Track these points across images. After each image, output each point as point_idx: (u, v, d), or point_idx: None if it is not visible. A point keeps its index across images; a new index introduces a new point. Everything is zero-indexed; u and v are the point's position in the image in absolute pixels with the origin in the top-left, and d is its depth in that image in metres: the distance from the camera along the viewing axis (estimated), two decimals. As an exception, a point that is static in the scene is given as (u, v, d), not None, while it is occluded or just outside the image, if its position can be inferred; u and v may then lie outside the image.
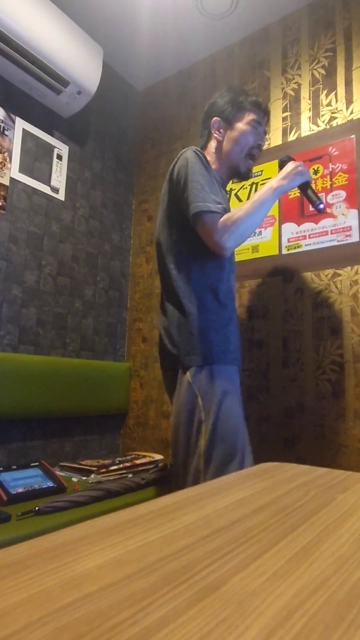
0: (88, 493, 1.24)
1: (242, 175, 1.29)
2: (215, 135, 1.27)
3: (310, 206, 1.26)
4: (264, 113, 1.30)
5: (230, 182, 1.35)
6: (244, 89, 1.29)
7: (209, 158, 1.28)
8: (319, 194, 1.56)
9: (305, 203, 1.64)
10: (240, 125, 1.25)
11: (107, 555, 0.30)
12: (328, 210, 1.58)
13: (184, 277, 1.16)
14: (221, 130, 1.27)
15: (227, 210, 1.12)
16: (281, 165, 1.28)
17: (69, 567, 0.28)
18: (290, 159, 1.27)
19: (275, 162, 1.75)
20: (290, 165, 1.21)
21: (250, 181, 1.81)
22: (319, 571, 0.28)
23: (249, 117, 1.26)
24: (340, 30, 1.69)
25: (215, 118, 1.27)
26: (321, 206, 1.22)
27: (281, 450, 1.55)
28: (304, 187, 1.24)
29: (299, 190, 1.26)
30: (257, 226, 1.13)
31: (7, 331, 1.63)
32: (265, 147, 1.79)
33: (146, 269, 2.14)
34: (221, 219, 1.08)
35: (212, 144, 1.28)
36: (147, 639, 0.20)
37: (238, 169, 1.27)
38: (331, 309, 1.53)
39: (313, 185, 1.29)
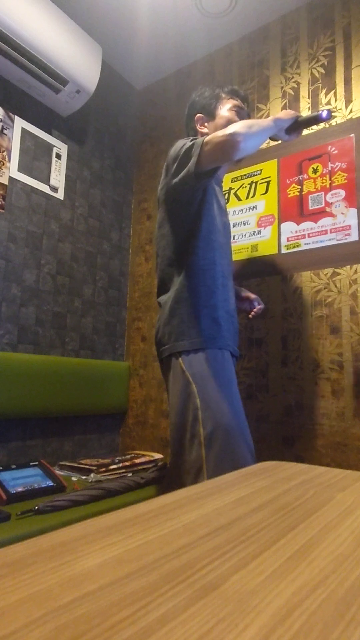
0: (87, 492, 1.24)
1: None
2: (201, 129, 1.29)
3: (313, 122, 1.20)
4: (242, 98, 1.33)
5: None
6: (218, 82, 1.31)
7: None
8: (319, 192, 1.56)
9: (304, 202, 1.64)
10: (223, 112, 1.28)
11: (106, 554, 0.30)
12: (327, 208, 1.58)
13: (175, 264, 1.17)
14: (206, 123, 1.29)
15: (226, 229, 1.18)
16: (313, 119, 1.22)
17: (68, 566, 0.28)
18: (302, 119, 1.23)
19: (274, 161, 1.75)
20: (280, 113, 1.21)
21: (249, 180, 1.81)
22: (318, 569, 0.28)
23: (229, 103, 1.29)
24: (339, 29, 1.69)
25: (198, 115, 1.30)
26: (324, 113, 1.17)
27: (280, 449, 1.55)
28: (298, 121, 1.21)
29: (294, 126, 1.22)
30: (260, 136, 1.09)
31: (6, 330, 1.63)
32: (264, 145, 1.79)
33: (145, 268, 2.14)
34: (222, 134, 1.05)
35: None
36: (147, 638, 0.20)
37: None
38: (330, 308, 1.53)
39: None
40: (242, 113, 1.30)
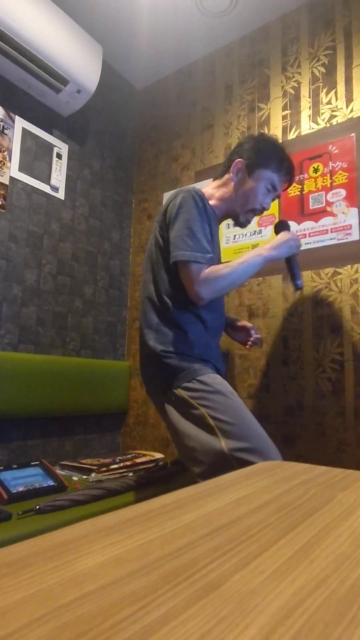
0: (88, 492, 1.25)
1: (240, 224, 1.29)
2: (231, 176, 1.24)
3: (289, 278, 1.26)
4: (288, 181, 1.27)
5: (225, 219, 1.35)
6: (283, 147, 1.25)
7: (216, 191, 1.27)
8: (320, 192, 1.56)
9: (305, 202, 1.64)
10: (256, 182, 1.22)
11: (107, 554, 0.30)
12: (328, 208, 1.58)
13: (165, 307, 1.15)
14: (239, 174, 1.24)
15: (213, 260, 1.13)
16: (277, 229, 1.27)
17: (69, 565, 0.28)
18: (286, 226, 1.27)
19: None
20: (283, 235, 1.20)
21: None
22: (319, 569, 0.28)
23: (270, 177, 1.22)
24: (340, 28, 1.69)
25: (239, 159, 1.23)
26: (299, 284, 1.24)
27: (281, 449, 1.55)
28: (290, 259, 1.25)
29: (285, 261, 1.26)
30: (237, 286, 1.15)
31: (7, 330, 1.63)
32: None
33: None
34: (205, 271, 1.07)
35: (226, 181, 1.26)
36: (148, 637, 0.20)
37: (237, 219, 1.28)
38: (331, 307, 1.53)
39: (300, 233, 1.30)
40: (270, 195, 1.25)
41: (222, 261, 1.31)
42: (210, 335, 1.19)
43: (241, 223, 1.28)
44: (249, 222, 1.29)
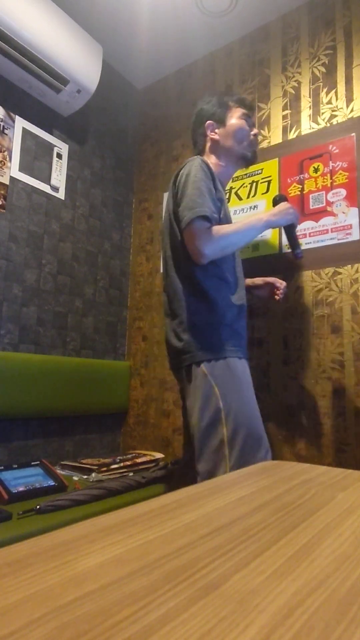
0: (89, 492, 1.25)
1: (250, 159, 1.36)
2: (212, 136, 1.34)
3: (289, 248, 1.33)
4: (249, 107, 1.39)
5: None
6: (225, 90, 1.37)
7: (210, 161, 1.34)
8: (320, 192, 1.56)
9: (305, 201, 1.64)
10: (233, 120, 1.34)
11: (107, 554, 0.30)
12: (328, 208, 1.58)
13: (190, 276, 1.19)
14: (216, 130, 1.34)
15: (220, 221, 1.18)
16: (275, 203, 1.36)
17: (70, 565, 0.28)
18: (283, 198, 1.35)
19: (275, 161, 1.75)
20: (283, 205, 1.28)
21: (250, 179, 1.81)
22: (320, 569, 0.28)
23: (238, 111, 1.35)
24: (340, 28, 1.68)
25: (208, 122, 1.35)
26: (299, 252, 1.31)
27: (281, 449, 1.55)
28: (290, 228, 1.32)
29: (284, 230, 1.34)
30: (238, 247, 1.20)
31: (7, 330, 1.63)
32: (265, 144, 1.79)
33: (146, 268, 2.14)
34: (209, 229, 1.12)
35: (210, 147, 1.35)
36: (148, 637, 0.20)
37: (244, 156, 1.35)
38: (331, 307, 1.53)
39: (298, 231, 1.38)
40: (249, 121, 1.36)
41: None
42: (236, 298, 1.23)
43: (250, 158, 1.36)
44: (255, 153, 1.37)
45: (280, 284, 1.41)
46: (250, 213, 1.78)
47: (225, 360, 1.13)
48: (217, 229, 1.13)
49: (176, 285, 1.22)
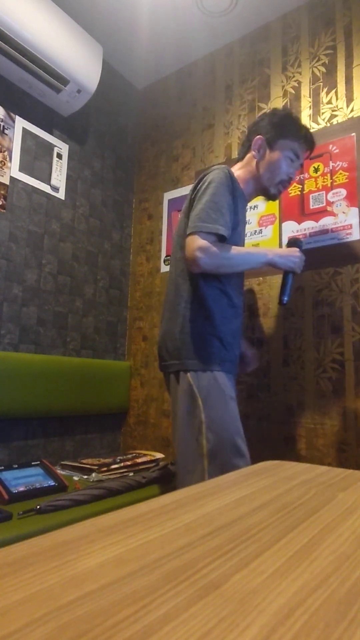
0: (89, 492, 1.25)
1: (271, 197, 1.32)
2: (253, 153, 1.28)
3: (280, 291, 1.27)
4: (308, 148, 1.30)
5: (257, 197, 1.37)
6: (297, 117, 1.30)
7: (241, 172, 1.31)
8: (320, 192, 1.56)
9: (305, 201, 1.64)
10: (278, 154, 1.26)
11: (108, 554, 0.30)
12: (328, 208, 1.58)
13: (194, 283, 1.19)
14: (260, 150, 1.28)
15: (235, 240, 1.18)
16: (289, 244, 1.30)
17: (70, 565, 0.28)
18: (298, 244, 1.28)
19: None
20: (293, 250, 1.24)
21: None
22: (320, 569, 0.28)
23: (291, 147, 1.26)
24: (340, 28, 1.68)
25: (258, 136, 1.27)
26: (285, 300, 1.25)
27: (282, 449, 1.55)
28: (289, 274, 1.26)
29: (283, 273, 1.28)
30: (233, 270, 1.17)
31: (7, 330, 1.63)
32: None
33: (146, 268, 2.14)
34: (215, 242, 1.10)
35: (249, 159, 1.30)
36: (148, 637, 0.20)
37: (267, 192, 1.31)
38: (332, 307, 1.53)
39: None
40: (295, 163, 1.28)
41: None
42: (233, 315, 1.22)
43: (273, 195, 1.31)
44: (280, 193, 1.32)
45: (253, 363, 1.46)
46: (250, 212, 1.79)
47: (212, 373, 1.12)
48: (222, 247, 1.11)
49: (178, 289, 1.21)
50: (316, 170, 1.64)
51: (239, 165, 1.33)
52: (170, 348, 1.18)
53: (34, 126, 1.80)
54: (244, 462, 1.09)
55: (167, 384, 1.23)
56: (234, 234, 1.20)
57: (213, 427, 1.07)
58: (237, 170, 1.32)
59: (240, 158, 1.33)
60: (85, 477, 1.46)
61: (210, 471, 1.05)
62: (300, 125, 1.27)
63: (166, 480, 1.50)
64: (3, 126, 1.69)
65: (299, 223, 1.65)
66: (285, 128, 1.26)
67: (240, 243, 1.26)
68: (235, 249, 1.13)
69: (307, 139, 1.28)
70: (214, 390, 1.10)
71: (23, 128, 1.76)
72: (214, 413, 1.08)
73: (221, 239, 1.12)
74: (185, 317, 1.17)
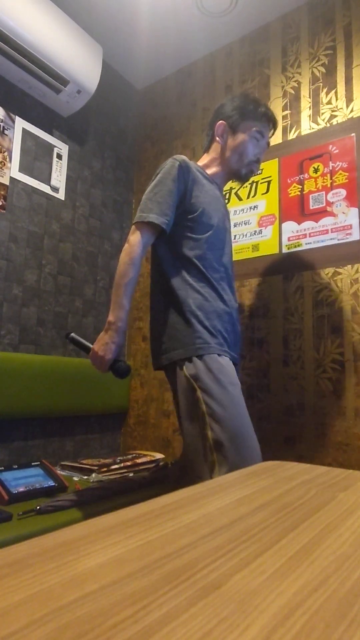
0: (89, 492, 1.25)
1: (242, 178, 1.32)
2: (217, 139, 1.29)
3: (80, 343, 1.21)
4: (271, 126, 1.30)
5: (230, 181, 1.37)
6: (256, 97, 1.30)
7: (208, 160, 1.32)
8: (320, 192, 1.55)
9: (305, 202, 1.64)
10: (243, 136, 1.26)
11: (108, 554, 0.30)
12: (328, 208, 1.58)
13: (162, 275, 1.20)
14: (224, 135, 1.28)
15: (215, 227, 1.19)
16: (112, 367, 1.13)
17: (70, 566, 0.28)
18: (122, 371, 1.12)
19: (275, 161, 1.75)
20: (109, 353, 1.11)
21: (250, 180, 1.81)
22: (320, 569, 0.28)
23: (254, 127, 1.26)
24: (340, 28, 1.69)
25: (220, 122, 1.28)
26: (69, 336, 1.21)
27: (282, 449, 1.55)
28: (86, 347, 1.18)
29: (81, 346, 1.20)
30: (116, 280, 1.14)
31: (7, 331, 1.63)
32: (265, 145, 1.79)
33: (146, 268, 2.14)
34: (140, 241, 1.12)
35: (215, 147, 1.31)
36: (148, 638, 0.20)
37: (238, 174, 1.30)
38: (332, 307, 1.53)
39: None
40: (260, 142, 1.28)
41: (231, 244, 1.37)
42: (209, 293, 1.17)
43: (244, 176, 1.31)
44: (252, 174, 1.32)
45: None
46: (250, 213, 1.79)
47: (202, 359, 1.09)
48: (132, 262, 1.11)
49: (154, 284, 1.23)
50: (316, 170, 1.64)
51: (205, 155, 1.34)
52: (155, 345, 1.19)
53: (33, 127, 1.80)
54: (252, 447, 1.06)
55: (168, 378, 1.22)
56: (201, 216, 1.18)
57: (215, 417, 1.05)
58: (206, 159, 1.32)
59: (207, 147, 1.34)
60: (85, 477, 1.46)
61: (220, 463, 1.04)
62: (260, 104, 1.28)
63: (166, 480, 1.50)
64: (3, 127, 1.69)
65: (299, 223, 1.65)
66: (245, 109, 1.26)
67: (208, 218, 1.22)
68: (127, 277, 1.11)
69: (268, 117, 1.29)
70: (210, 378, 1.07)
71: (23, 128, 1.76)
72: (214, 402, 1.06)
73: (155, 227, 1.13)
74: (159, 309, 1.18)
